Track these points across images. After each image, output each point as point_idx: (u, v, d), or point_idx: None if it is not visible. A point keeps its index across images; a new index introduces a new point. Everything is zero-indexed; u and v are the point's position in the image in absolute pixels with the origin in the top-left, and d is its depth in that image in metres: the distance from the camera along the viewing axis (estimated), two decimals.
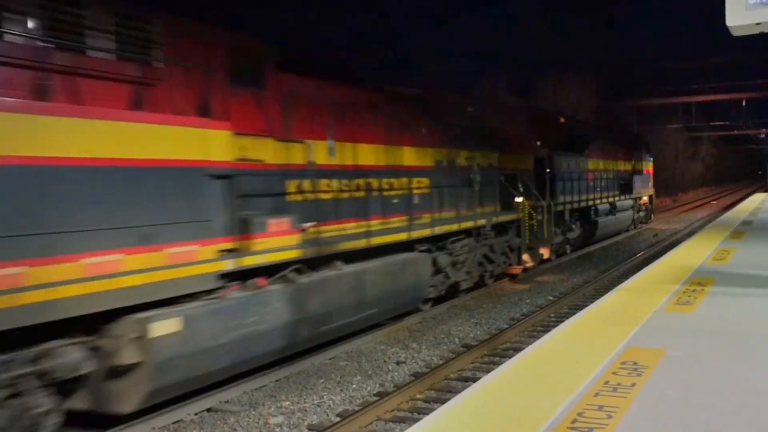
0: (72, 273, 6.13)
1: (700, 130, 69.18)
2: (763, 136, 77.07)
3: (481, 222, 14.57)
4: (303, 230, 9.07)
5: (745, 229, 18.43)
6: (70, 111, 6.32)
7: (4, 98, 5.80)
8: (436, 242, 12.96)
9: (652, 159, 34.57)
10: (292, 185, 9.16)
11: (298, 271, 9.13)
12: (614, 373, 5.45)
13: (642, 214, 31.79)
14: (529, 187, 17.07)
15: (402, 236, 11.58)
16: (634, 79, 60.96)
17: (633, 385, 5.14)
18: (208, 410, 8.18)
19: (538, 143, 18.72)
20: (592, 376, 5.37)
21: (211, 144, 7.64)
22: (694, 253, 13.23)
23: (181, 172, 7.27)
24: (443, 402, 5.95)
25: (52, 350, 6.35)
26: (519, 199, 16.42)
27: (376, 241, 10.81)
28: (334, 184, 10.05)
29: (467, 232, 14.12)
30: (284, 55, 9.00)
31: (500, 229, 15.74)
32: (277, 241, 8.58)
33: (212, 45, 8.09)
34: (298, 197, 9.28)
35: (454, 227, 13.43)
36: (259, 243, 8.27)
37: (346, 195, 10.30)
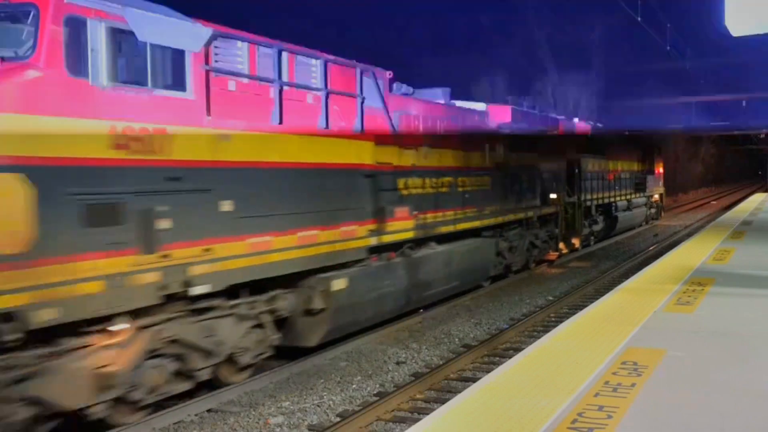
0: (292, 242, 8.87)
1: (700, 129, 69.20)
2: (763, 136, 77.04)
3: (530, 214, 17.49)
4: (415, 216, 11.84)
5: (745, 229, 18.44)
6: (293, 130, 8.99)
7: (265, 124, 8.56)
8: (497, 230, 15.63)
9: (662, 160, 37.60)
10: (403, 182, 11.68)
11: (410, 249, 11.94)
12: (614, 373, 5.46)
13: (653, 210, 34.48)
14: (563, 185, 20.02)
15: (476, 223, 14.33)
16: (635, 78, 60.86)
17: (633, 385, 5.14)
18: (209, 411, 8.17)
19: (569, 148, 21.34)
20: (592, 376, 5.37)
21: (363, 152, 10.47)
22: (694, 253, 13.23)
23: (349, 173, 10.12)
24: (443, 402, 5.96)
25: (277, 296, 9.06)
26: (554, 196, 19.03)
27: (461, 226, 13.61)
28: (428, 181, 12.54)
29: (519, 223, 16.89)
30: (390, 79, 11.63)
31: (542, 220, 18.51)
32: (401, 224, 11.50)
33: (351, 75, 10.37)
34: (409, 191, 11.89)
35: (510, 217, 16.17)
36: (390, 225, 11.10)
37: (437, 190, 12.82)
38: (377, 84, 10.93)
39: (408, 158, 11.88)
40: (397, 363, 10.08)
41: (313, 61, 9.57)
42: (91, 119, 6.43)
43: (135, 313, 6.98)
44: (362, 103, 10.42)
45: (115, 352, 6.85)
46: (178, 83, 7.39)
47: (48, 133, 6.11)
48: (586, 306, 9.12)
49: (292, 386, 9.01)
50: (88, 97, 6.43)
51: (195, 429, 7.68)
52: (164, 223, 7.10)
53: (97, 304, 6.45)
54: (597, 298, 9.59)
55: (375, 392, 8.79)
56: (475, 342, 11.24)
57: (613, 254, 22.70)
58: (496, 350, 10.71)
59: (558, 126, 21.29)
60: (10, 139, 5.81)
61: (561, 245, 19.92)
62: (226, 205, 7.90)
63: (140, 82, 6.95)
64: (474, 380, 7.31)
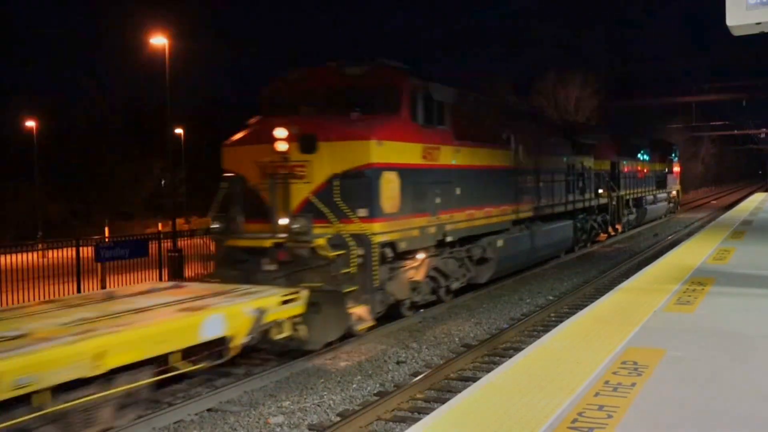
0: (481, 215, 14.23)
1: (700, 130, 69.18)
2: (763, 136, 76.99)
3: (593, 203, 23.34)
4: (532, 202, 17.27)
5: (745, 229, 18.43)
6: (482, 145, 14.49)
7: (475, 142, 14.01)
8: (571, 215, 20.89)
9: (678, 161, 44.42)
10: (527, 178, 17.01)
11: (530, 224, 17.27)
12: (614, 372, 5.46)
13: (671, 205, 40.53)
14: (609, 182, 25.65)
15: (561, 209, 19.63)
16: (635, 78, 60.93)
17: (633, 384, 5.14)
18: (209, 410, 8.18)
19: (611, 152, 26.69)
20: (593, 376, 5.37)
21: (508, 158, 15.98)
22: (694, 252, 13.23)
23: (504, 172, 15.59)
24: (443, 402, 5.95)
25: (471, 247, 14.21)
26: (600, 190, 24.44)
27: (557, 210, 19.24)
28: (540, 177, 17.87)
29: (585, 210, 22.62)
30: None
31: (599, 209, 24.51)
32: (528, 208, 16.97)
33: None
34: (530, 185, 17.22)
35: (580, 205, 21.66)
36: (522, 207, 16.52)
37: (543, 184, 18.07)
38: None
39: (529, 162, 17.12)
40: (398, 362, 10.07)
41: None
42: (416, 143, 11.89)
43: (425, 250, 12.28)
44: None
45: (417, 270, 12.21)
46: (444, 122, 12.89)
47: (403, 151, 11.51)
48: (586, 306, 9.12)
49: (292, 386, 9.02)
50: (416, 132, 11.93)
51: (195, 428, 7.68)
52: (438, 200, 12.51)
53: (417, 242, 11.79)
54: (597, 298, 9.58)
55: (375, 392, 8.79)
56: (475, 342, 11.24)
57: (613, 254, 22.69)
58: (496, 350, 10.71)
59: (601, 131, 27.58)
60: (393, 155, 11.14)
61: (610, 229, 26.08)
62: (457, 190, 13.22)
63: (431, 122, 12.42)
64: (474, 380, 7.31)
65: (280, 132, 10.45)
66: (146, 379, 7.31)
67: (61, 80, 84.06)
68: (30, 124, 42.75)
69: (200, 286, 9.90)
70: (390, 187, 10.97)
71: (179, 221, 34.89)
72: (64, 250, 17.26)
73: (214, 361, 8.19)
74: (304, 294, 9.46)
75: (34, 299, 14.17)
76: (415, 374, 9.46)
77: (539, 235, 17.56)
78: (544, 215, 18.08)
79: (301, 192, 10.61)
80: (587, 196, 22.41)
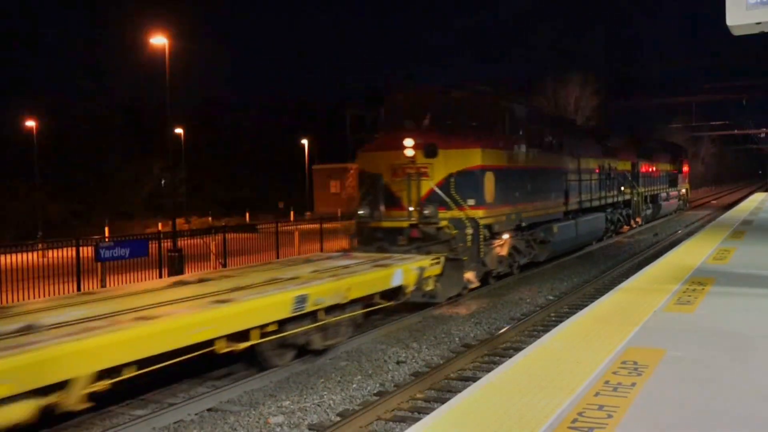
0: (543, 206, 17.79)
1: (700, 130, 69.13)
2: (763, 135, 76.94)
3: (620, 198, 27.32)
4: (577, 197, 20.89)
5: (745, 229, 18.43)
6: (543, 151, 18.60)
7: (532, 148, 17.28)
8: (603, 208, 24.49)
9: (687, 162, 49.54)
10: (573, 177, 20.80)
11: (575, 214, 20.80)
12: (614, 372, 5.46)
13: (681, 202, 44.53)
14: (630, 180, 29.26)
15: (596, 203, 23.42)
16: (635, 79, 60.94)
17: (633, 384, 5.14)
18: (209, 410, 8.18)
19: (632, 153, 30.36)
20: (593, 376, 5.37)
21: (565, 161, 20.05)
22: (694, 252, 13.23)
23: (559, 172, 19.35)
24: (444, 401, 5.95)
25: (536, 231, 17.58)
26: (623, 188, 27.89)
27: (593, 204, 23.00)
28: (582, 176, 21.71)
29: (613, 205, 26.41)
30: None
31: (624, 204, 28.51)
32: (573, 202, 20.55)
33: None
34: (576, 183, 21.00)
35: (610, 201, 25.53)
36: (571, 202, 20.23)
37: (584, 182, 21.96)
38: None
39: (573, 163, 20.92)
40: (398, 362, 10.07)
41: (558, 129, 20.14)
42: (504, 150, 15.53)
43: (508, 232, 15.76)
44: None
45: (502, 247, 15.60)
46: (521, 133, 16.33)
47: (497, 156, 15.06)
48: (586, 306, 9.12)
49: (292, 385, 9.01)
50: (505, 141, 15.56)
51: (195, 428, 7.68)
52: (516, 193, 15.80)
53: (504, 226, 15.31)
54: (597, 298, 9.58)
55: (375, 392, 8.78)
56: (476, 341, 11.23)
57: (613, 254, 22.69)
58: (496, 350, 10.70)
59: (623, 136, 32.85)
60: (491, 159, 14.63)
61: (632, 222, 30.14)
62: (528, 186, 16.49)
63: (513, 133, 16.06)
64: (474, 379, 7.31)
65: (409, 142, 13.96)
66: (360, 310, 10.74)
67: (61, 80, 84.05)
68: (30, 124, 42.75)
69: (365, 255, 13.25)
70: (489, 184, 14.64)
71: (179, 221, 34.91)
72: (64, 249, 17.26)
73: (398, 300, 11.74)
74: (443, 260, 12.76)
75: (33, 299, 14.17)
76: (416, 374, 9.47)
77: (581, 225, 21.09)
78: (584, 208, 21.91)
79: (425, 186, 14.20)
80: (614, 192, 26.26)
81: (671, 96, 58.32)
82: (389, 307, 11.74)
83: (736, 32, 7.06)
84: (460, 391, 5.68)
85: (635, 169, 30.33)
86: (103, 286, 16.30)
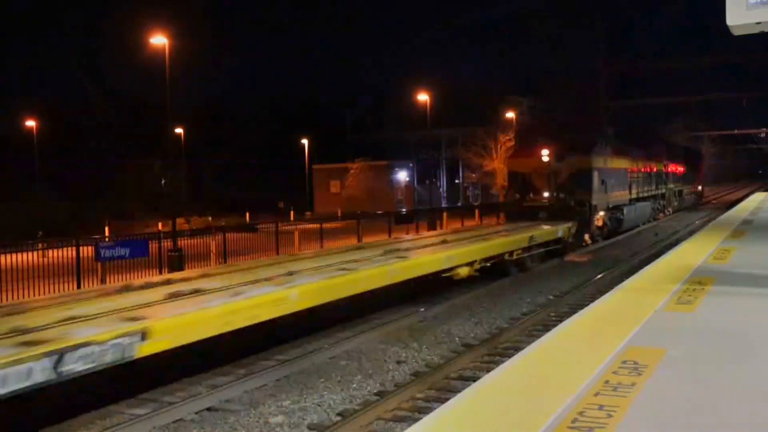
0: (620, 195, 27.65)
1: (700, 130, 69.13)
2: (763, 135, 76.97)
3: (658, 192, 36.37)
4: (637, 190, 30.58)
5: (745, 229, 18.41)
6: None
7: (613, 155, 28.03)
8: (648, 199, 32.67)
9: (701, 164, 60.65)
10: (635, 176, 30.52)
11: (635, 202, 30.26)
12: (614, 372, 5.45)
13: (696, 197, 54.80)
14: (663, 178, 38.19)
15: (645, 195, 32.07)
16: (634, 78, 61.07)
17: (633, 384, 5.13)
18: (209, 409, 8.17)
19: (662, 155, 38.31)
20: (593, 376, 5.36)
21: (629, 164, 30.44)
22: (694, 252, 13.21)
23: (624, 172, 28.84)
24: (443, 401, 5.94)
25: (617, 211, 27.14)
26: (659, 184, 36.24)
27: (642, 195, 31.60)
28: (640, 175, 31.62)
29: (654, 197, 34.70)
30: None
31: (661, 197, 37.34)
32: (634, 193, 30.02)
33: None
34: (636, 180, 30.45)
35: (653, 194, 34.24)
36: (632, 193, 29.83)
37: (642, 179, 31.82)
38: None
39: (632, 164, 29.35)
40: (398, 362, 10.07)
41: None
42: (602, 156, 25.25)
43: (603, 211, 24.75)
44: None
45: (599, 220, 24.29)
46: (610, 146, 26.76)
47: (599, 160, 24.75)
48: (586, 305, 9.11)
49: (292, 385, 9.01)
50: (601, 151, 25.46)
51: (195, 427, 7.67)
52: (608, 186, 25.05)
53: (602, 206, 24.30)
54: (597, 298, 9.57)
55: (375, 391, 8.78)
56: (476, 341, 11.24)
57: (613, 254, 22.70)
58: (496, 349, 10.70)
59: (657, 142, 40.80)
60: (597, 162, 24.37)
61: (665, 211, 38.89)
62: (612, 181, 25.01)
63: (605, 145, 26.21)
64: (474, 379, 7.30)
65: (545, 151, 23.41)
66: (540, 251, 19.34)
67: (61, 80, 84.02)
68: (30, 124, 42.74)
69: (525, 224, 21.35)
70: (597, 179, 23.52)
71: (179, 221, 34.86)
72: (64, 249, 17.26)
73: (558, 246, 20.65)
74: (575, 224, 21.67)
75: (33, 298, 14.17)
76: (416, 374, 9.46)
77: (638, 209, 30.30)
78: (639, 198, 30.71)
79: (557, 179, 23.29)
80: (654, 187, 35.24)
81: (671, 96, 58.35)
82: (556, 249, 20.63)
83: (736, 32, 7.05)
84: (460, 391, 5.68)
85: (666, 169, 39.31)
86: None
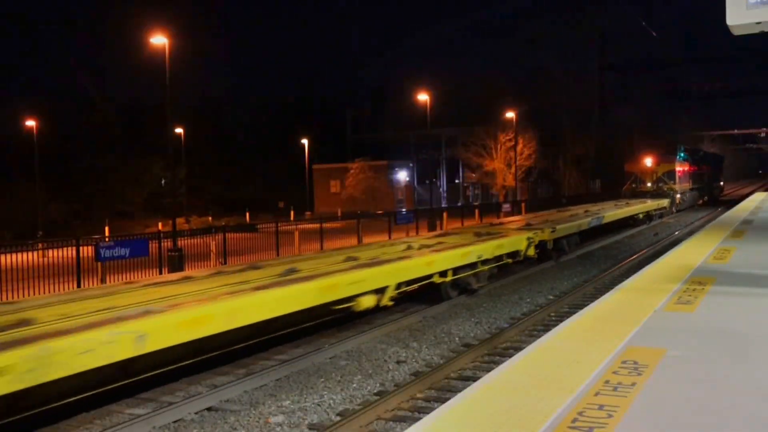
0: (686, 186, 49.50)
1: (700, 129, 69.17)
2: (763, 135, 77.05)
3: (697, 185, 52.32)
4: (688, 183, 49.73)
5: (745, 229, 18.41)
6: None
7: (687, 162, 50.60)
8: (696, 189, 52.46)
9: (722, 165, 74.07)
10: (687, 175, 50.00)
11: (690, 191, 50.19)
12: (615, 372, 5.45)
13: (719, 191, 67.32)
14: (702, 175, 54.30)
15: (695, 186, 52.14)
16: (635, 80, 61.23)
17: (633, 384, 5.13)
18: (209, 409, 8.18)
19: (701, 160, 55.13)
20: (593, 376, 5.36)
21: (678, 166, 48.47)
22: (694, 252, 13.21)
23: (687, 171, 49.88)
24: (444, 401, 5.94)
25: (682, 194, 47.01)
26: (699, 179, 53.56)
27: (694, 186, 52.04)
28: (691, 174, 50.93)
29: (698, 188, 52.91)
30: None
31: (702, 188, 55.80)
32: (691, 184, 50.46)
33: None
34: (687, 176, 49.46)
35: (699, 186, 53.11)
36: (692, 184, 51.65)
37: (691, 174, 51.17)
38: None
39: (691, 167, 49.75)
40: (398, 362, 10.07)
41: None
42: (677, 163, 47.05)
43: (679, 194, 45.58)
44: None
45: (677, 199, 45.20)
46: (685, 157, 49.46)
47: (679, 164, 47.39)
48: (586, 305, 9.11)
49: (292, 385, 9.01)
50: (683, 161, 48.66)
51: (195, 427, 7.68)
52: (683, 179, 46.31)
53: (678, 191, 45.40)
54: (597, 297, 9.57)
55: (375, 391, 8.78)
56: (476, 341, 11.24)
57: (614, 254, 22.69)
58: (496, 349, 10.70)
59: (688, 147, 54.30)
60: (677, 167, 46.64)
61: (702, 200, 53.65)
62: (684, 176, 47.21)
63: (682, 156, 48.13)
64: (474, 379, 7.30)
65: (650, 159, 45.18)
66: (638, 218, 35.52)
67: (61, 80, 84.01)
68: (30, 124, 42.72)
69: (610, 202, 37.76)
70: (677, 176, 44.75)
71: (179, 221, 34.88)
72: (64, 249, 17.26)
73: (662, 217, 39.35)
74: (669, 201, 41.47)
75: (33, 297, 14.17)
76: (416, 373, 9.46)
77: (692, 195, 47.86)
78: (692, 188, 46.87)
79: (655, 176, 44.86)
80: (699, 181, 50.80)
81: (671, 95, 58.44)
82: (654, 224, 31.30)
83: (736, 32, 7.04)
84: (460, 391, 5.68)
85: (702, 169, 53.68)
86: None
